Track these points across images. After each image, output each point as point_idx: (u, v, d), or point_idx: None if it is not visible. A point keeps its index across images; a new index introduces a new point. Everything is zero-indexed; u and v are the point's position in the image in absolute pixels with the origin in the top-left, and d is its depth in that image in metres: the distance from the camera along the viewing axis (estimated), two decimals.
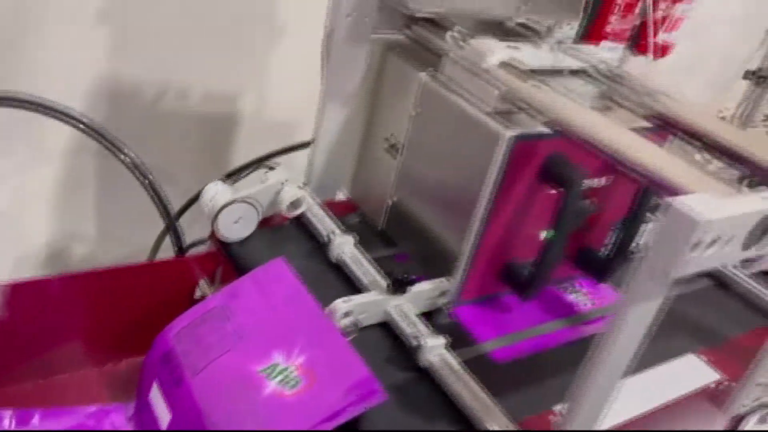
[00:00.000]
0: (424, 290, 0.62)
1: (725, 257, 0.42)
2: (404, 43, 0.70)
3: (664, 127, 0.62)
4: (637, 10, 1.57)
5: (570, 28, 0.78)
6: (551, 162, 0.59)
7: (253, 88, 1.14)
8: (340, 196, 0.80)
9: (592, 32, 1.57)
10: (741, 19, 2.30)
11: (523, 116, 0.59)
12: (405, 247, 0.71)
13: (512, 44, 0.64)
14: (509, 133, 0.56)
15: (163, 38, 1.01)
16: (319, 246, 0.68)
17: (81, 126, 0.75)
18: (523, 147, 0.57)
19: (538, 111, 0.56)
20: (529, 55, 0.63)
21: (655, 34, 1.83)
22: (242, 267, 0.65)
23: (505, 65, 0.60)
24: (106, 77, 0.98)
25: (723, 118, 1.04)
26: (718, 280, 0.81)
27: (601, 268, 0.69)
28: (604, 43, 0.78)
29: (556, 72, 0.66)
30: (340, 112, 0.72)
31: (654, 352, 0.66)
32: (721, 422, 0.71)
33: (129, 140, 0.79)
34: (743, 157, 0.54)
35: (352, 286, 0.63)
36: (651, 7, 1.71)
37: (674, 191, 0.44)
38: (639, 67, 1.88)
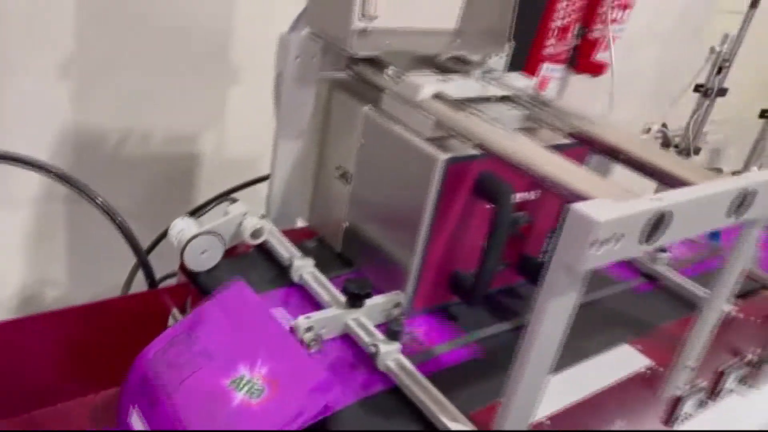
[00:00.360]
0: (379, 303, 0.68)
1: (624, 251, 0.49)
2: (348, 80, 0.77)
3: (580, 142, 0.69)
4: (570, 34, 1.68)
5: (499, 58, 0.86)
6: (482, 179, 0.66)
7: (213, 128, 1.20)
8: (300, 223, 0.86)
9: (530, 56, 1.68)
10: (671, 34, 2.45)
11: (456, 141, 0.66)
12: (361, 266, 0.77)
13: (443, 77, 0.71)
14: (443, 157, 0.63)
15: (123, 86, 1.06)
16: (281, 270, 0.73)
17: (51, 174, 0.80)
18: (456, 168, 0.64)
19: (466, 136, 0.63)
20: (457, 86, 0.70)
21: (592, 54, 1.95)
22: (211, 294, 0.70)
23: (436, 97, 0.67)
24: (70, 126, 1.03)
25: (648, 130, 1.13)
26: (650, 277, 0.89)
27: (539, 272, 0.75)
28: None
29: (485, 99, 0.73)
30: (293, 146, 0.78)
31: (591, 345, 0.73)
32: (656, 405, 0.78)
33: (96, 184, 0.84)
34: (645, 165, 0.62)
35: (313, 304, 0.69)
36: (586, 28, 1.83)
37: (577, 198, 0.51)
38: (581, 83, 1.99)
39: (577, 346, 0.73)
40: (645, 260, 0.89)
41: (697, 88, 1.06)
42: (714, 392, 0.90)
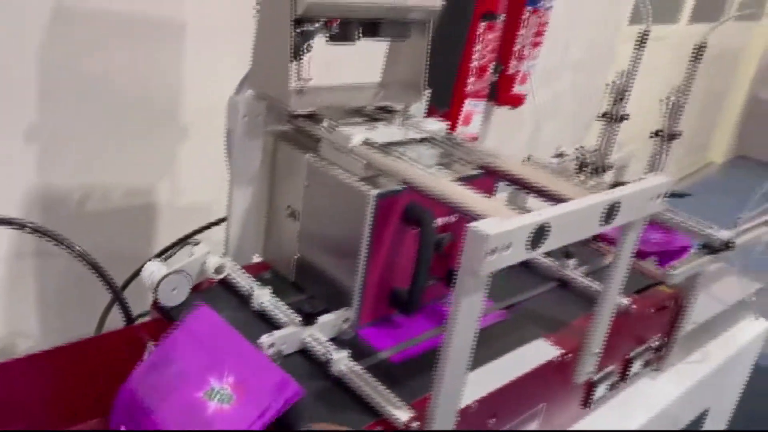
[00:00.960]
0: (330, 320, 0.80)
1: (516, 257, 0.63)
2: (291, 132, 0.90)
3: (486, 173, 0.84)
4: (488, 72, 1.86)
5: (419, 104, 1.00)
6: (408, 209, 0.79)
7: (168, 179, 1.31)
8: (256, 259, 0.97)
9: (455, 94, 1.85)
10: (583, 63, 2.69)
11: (384, 179, 0.79)
12: (312, 292, 0.89)
13: (370, 126, 0.85)
14: (373, 192, 0.76)
15: (84, 146, 1.16)
16: (242, 300, 0.84)
17: (26, 228, 0.89)
18: (385, 201, 0.77)
19: (391, 174, 0.77)
20: (382, 133, 0.84)
21: (510, 88, 2.15)
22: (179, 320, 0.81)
23: (365, 143, 0.80)
24: (37, 186, 1.12)
25: (560, 155, 1.30)
26: (561, 281, 1.04)
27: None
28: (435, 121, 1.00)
29: (407, 142, 0.87)
30: (245, 191, 0.90)
31: (511, 341, 0.87)
32: (573, 389, 0.92)
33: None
34: (536, 188, 0.77)
35: (273, 326, 0.80)
36: (502, 66, 2.02)
37: (478, 218, 0.65)
38: (504, 114, 2.18)
39: (500, 344, 0.86)
40: (556, 267, 1.04)
41: (603, 115, 1.23)
42: (624, 376, 1.05)
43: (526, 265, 1.07)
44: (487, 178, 0.86)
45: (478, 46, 1.75)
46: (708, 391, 1.27)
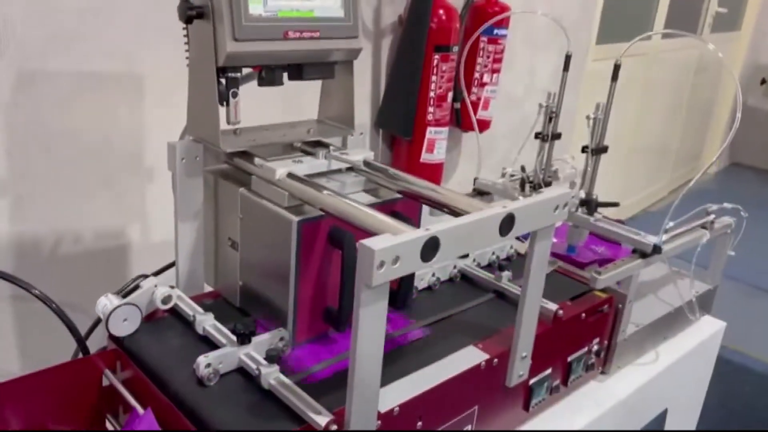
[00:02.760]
0: (266, 339, 0.87)
1: (407, 268, 0.69)
2: (229, 169, 0.99)
3: (405, 196, 0.92)
4: (447, 102, 1.95)
5: (361, 135, 1.09)
6: (332, 232, 0.87)
7: (137, 221, 1.39)
8: (207, 288, 1.05)
9: (417, 123, 1.93)
10: (552, 86, 2.78)
11: (308, 207, 0.87)
12: (256, 315, 0.96)
13: (297, 160, 0.93)
14: (296, 219, 0.84)
15: (54, 195, 1.25)
16: (189, 326, 0.92)
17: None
18: (308, 227, 0.85)
19: (309, 203, 0.84)
20: (307, 166, 0.92)
21: (474, 113, 2.23)
22: (134, 354, 0.88)
23: (290, 176, 0.89)
24: (10, 235, 1.21)
25: (504, 175, 1.38)
26: (498, 293, 1.10)
27: (393, 299, 0.96)
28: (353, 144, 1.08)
29: (332, 172, 0.96)
30: (191, 227, 0.98)
31: (444, 349, 0.93)
32: (507, 392, 0.98)
33: (38, 281, 1.01)
34: (445, 206, 0.85)
35: (216, 348, 0.87)
36: (465, 92, 2.11)
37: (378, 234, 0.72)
38: (471, 139, 2.25)
39: (430, 354, 0.92)
40: (493, 279, 1.11)
41: (536, 135, 1.30)
42: (565, 380, 1.11)
43: (466, 279, 1.14)
44: (408, 201, 0.94)
45: (434, 77, 1.84)
46: (663, 391, 1.32)
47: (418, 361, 0.90)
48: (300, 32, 0.91)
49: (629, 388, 1.20)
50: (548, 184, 1.33)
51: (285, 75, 0.96)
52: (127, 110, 1.32)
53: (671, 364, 1.30)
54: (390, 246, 0.66)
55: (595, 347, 1.14)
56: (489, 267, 1.19)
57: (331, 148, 1.03)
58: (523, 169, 1.36)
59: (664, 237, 1.16)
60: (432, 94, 1.85)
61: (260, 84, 0.96)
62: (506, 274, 1.10)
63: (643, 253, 1.14)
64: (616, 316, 1.16)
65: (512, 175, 1.38)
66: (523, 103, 2.57)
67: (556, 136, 1.30)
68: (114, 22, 1.25)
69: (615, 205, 1.22)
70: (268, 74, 0.94)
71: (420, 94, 1.86)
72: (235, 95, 0.91)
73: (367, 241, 0.66)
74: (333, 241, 0.87)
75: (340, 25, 0.95)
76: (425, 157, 1.92)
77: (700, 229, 1.27)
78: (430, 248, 0.71)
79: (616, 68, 1.20)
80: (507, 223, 0.79)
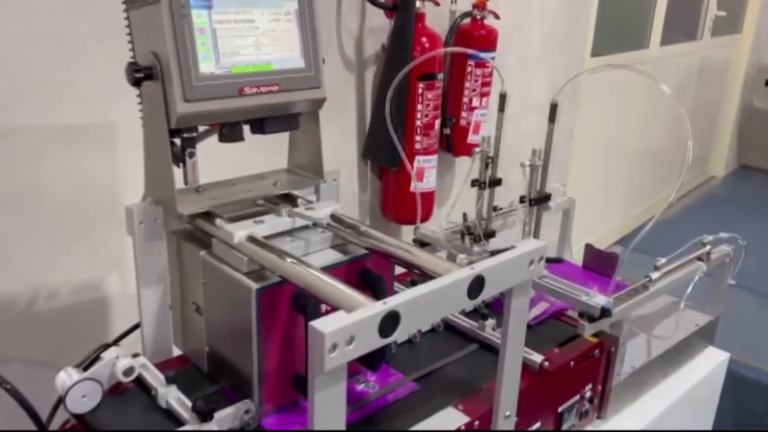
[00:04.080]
0: (230, 413, 0.82)
1: (368, 346, 0.65)
2: (193, 230, 0.95)
3: (378, 255, 0.87)
4: (434, 130, 1.91)
5: (333, 181, 1.05)
6: (295, 298, 0.83)
7: (115, 273, 1.36)
8: (177, 352, 1.00)
9: (406, 153, 1.89)
10: (545, 107, 2.73)
11: (269, 272, 0.83)
12: (224, 382, 0.91)
13: (259, 219, 0.89)
14: (254, 286, 0.80)
15: (27, 249, 1.22)
16: (154, 398, 0.88)
17: None
18: (269, 293, 0.81)
19: (268, 268, 0.80)
20: (269, 226, 0.88)
21: (464, 139, 2.19)
22: (95, 431, 0.84)
23: (250, 239, 0.84)
24: None
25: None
26: (482, 343, 1.05)
27: (367, 360, 0.91)
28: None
29: (297, 229, 0.91)
30: (155, 291, 0.95)
31: (419, 414, 0.88)
32: None
33: (12, 343, 0.96)
34: (418, 268, 0.80)
35: (180, 423, 0.83)
36: (453, 118, 2.06)
37: (335, 307, 0.68)
38: (463, 164, 2.17)
39: (407, 418, 0.88)
40: (475, 329, 1.06)
41: (473, 182, 1.21)
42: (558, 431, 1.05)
43: (449, 328, 1.09)
44: (378, 258, 0.89)
45: (419, 106, 1.80)
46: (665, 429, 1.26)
47: (395, 425, 0.85)
48: (257, 87, 0.87)
49: None
50: (491, 235, 1.25)
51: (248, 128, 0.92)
52: (101, 161, 1.29)
53: (673, 403, 1.24)
54: (342, 327, 0.62)
55: (588, 394, 1.09)
56: (475, 312, 1.14)
57: (300, 200, 0.99)
58: (464, 217, 1.27)
59: (656, 274, 1.11)
60: (418, 123, 1.81)
61: (221, 140, 0.92)
62: (490, 322, 1.05)
63: (590, 317, 1.06)
64: (609, 360, 1.10)
65: (451, 224, 1.29)
66: (518, 121, 2.53)
67: (496, 182, 1.21)
68: (85, 70, 1.22)
69: (558, 260, 1.17)
70: (229, 130, 0.91)
71: (406, 124, 1.82)
72: (192, 155, 0.87)
73: (317, 324, 0.61)
74: (296, 307, 0.83)
75: (300, 76, 0.91)
76: (414, 186, 1.88)
77: (696, 261, 1.22)
78: (390, 323, 0.66)
79: (553, 108, 1.14)
80: (476, 286, 0.74)
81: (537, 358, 0.98)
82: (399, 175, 1.89)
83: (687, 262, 1.19)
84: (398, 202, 1.93)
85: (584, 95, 2.92)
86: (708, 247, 1.23)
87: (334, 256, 0.90)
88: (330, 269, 0.86)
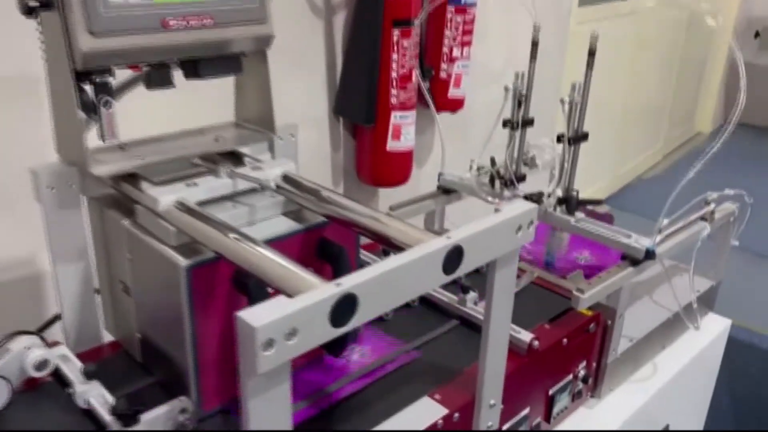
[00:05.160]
0: (162, 413, 0.69)
1: (316, 339, 0.51)
2: (118, 195, 0.79)
3: (339, 224, 0.73)
4: (411, 82, 1.75)
5: (291, 137, 0.90)
6: (236, 276, 0.68)
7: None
8: (108, 338, 0.86)
9: (379, 109, 1.74)
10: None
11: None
12: (159, 374, 0.78)
13: (193, 181, 0.74)
14: (184, 263, 0.65)
15: None
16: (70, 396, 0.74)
17: None
18: (202, 271, 0.66)
19: (200, 241, 0.66)
20: (206, 189, 0.73)
21: (445, 92, 2.02)
22: None
23: (180, 205, 0.70)
24: None
25: (478, 169, 1.18)
26: (462, 319, 0.92)
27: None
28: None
29: (241, 193, 0.77)
30: (75, 269, 0.80)
31: (392, 404, 0.75)
32: None
33: None
34: (387, 239, 0.66)
35: (101, 426, 0.69)
36: (432, 69, 1.90)
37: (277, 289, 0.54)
38: (449, 121, 2.01)
39: (378, 409, 0.75)
40: (455, 303, 0.93)
41: (505, 123, 1.11)
42: (548, 415, 0.93)
43: (425, 302, 0.96)
44: (340, 227, 0.75)
45: (395, 56, 1.64)
46: (664, 407, 1.15)
47: (357, 422, 0.73)
48: (185, 19, 0.71)
49: (625, 413, 1.03)
50: (522, 179, 1.14)
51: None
52: (24, 120, 1.12)
53: (672, 377, 1.13)
54: (281, 317, 0.48)
55: (582, 372, 0.97)
56: (455, 284, 1.01)
57: (247, 159, 0.84)
58: (492, 161, 1.16)
59: (659, 237, 0.98)
60: (394, 74, 1.65)
61: (148, 87, 0.76)
62: (471, 296, 0.92)
63: (634, 260, 0.95)
64: (605, 335, 0.98)
65: (480, 169, 1.19)
66: (501, 77, 2.36)
67: (528, 122, 1.10)
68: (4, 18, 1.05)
69: (598, 202, 1.04)
70: (156, 74, 0.75)
71: (381, 76, 1.66)
72: (107, 105, 0.71)
73: (246, 314, 0.47)
74: (238, 286, 0.69)
75: (241, 8, 0.76)
76: (392, 145, 1.72)
77: (700, 221, 1.09)
78: (345, 309, 0.53)
79: (592, 53, 1.00)
80: (453, 259, 0.61)
81: (526, 336, 0.85)
82: (374, 133, 1.74)
83: (690, 224, 1.06)
84: (374, 162, 1.77)
85: (571, 51, 2.76)
86: (712, 206, 1.10)
87: (284, 226, 0.76)
88: (278, 241, 0.72)
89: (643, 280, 1.19)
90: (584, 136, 1.02)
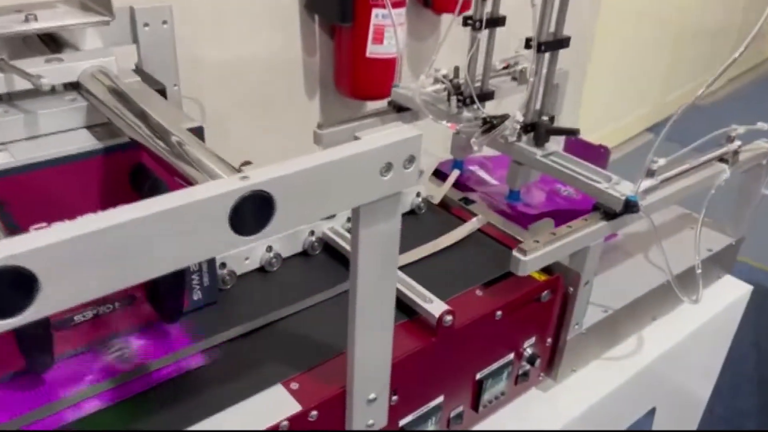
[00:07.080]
0: None
1: (215, 251, 0.31)
2: None
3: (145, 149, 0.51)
4: None
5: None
6: None
7: None
8: None
9: (358, 7, 1.46)
10: None
11: None
12: None
13: None
14: None
15: None
16: None
17: None
18: None
19: None
20: None
21: None
22: None
23: None
24: None
25: (438, 80, 0.93)
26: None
27: (159, 306, 0.58)
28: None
29: (31, 94, 0.55)
30: None
31: (238, 389, 0.56)
32: None
33: None
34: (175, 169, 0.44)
35: None
36: None
37: None
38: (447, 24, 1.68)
39: (230, 389, 0.56)
40: None
41: (465, 21, 0.85)
42: (476, 404, 0.73)
43: (330, 251, 0.75)
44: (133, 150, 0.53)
45: None
46: (649, 388, 0.94)
47: (202, 401, 0.54)
48: None
49: (591, 397, 0.82)
50: (487, 96, 0.89)
51: None
52: None
53: (662, 354, 0.90)
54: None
55: (529, 351, 0.75)
56: None
57: (68, 49, 0.62)
58: (455, 72, 0.91)
59: (648, 183, 0.73)
60: None
61: None
62: None
63: (608, 213, 0.71)
64: (565, 305, 0.76)
65: (440, 81, 0.93)
66: None
67: (496, 21, 0.84)
68: None
69: (573, 133, 0.78)
70: None
71: None
72: None
73: None
74: None
75: None
76: (372, 49, 1.46)
77: (717, 163, 0.83)
78: (13, 295, 0.32)
79: None
80: (249, 212, 0.39)
81: (436, 308, 0.63)
82: (352, 35, 1.47)
83: (700, 165, 0.80)
84: (352, 70, 1.51)
85: None
86: (737, 144, 0.83)
87: (86, 142, 0.54)
88: (62, 164, 0.51)
89: (634, 234, 0.94)
90: (562, 42, 0.75)
